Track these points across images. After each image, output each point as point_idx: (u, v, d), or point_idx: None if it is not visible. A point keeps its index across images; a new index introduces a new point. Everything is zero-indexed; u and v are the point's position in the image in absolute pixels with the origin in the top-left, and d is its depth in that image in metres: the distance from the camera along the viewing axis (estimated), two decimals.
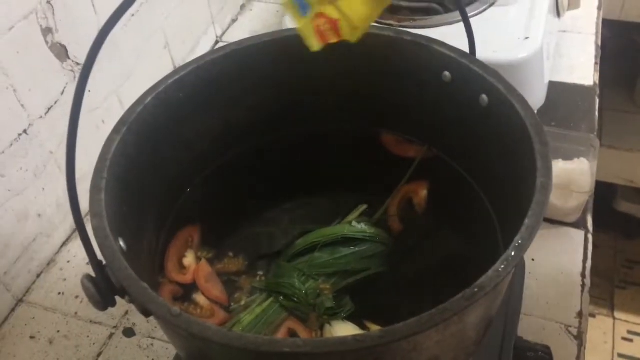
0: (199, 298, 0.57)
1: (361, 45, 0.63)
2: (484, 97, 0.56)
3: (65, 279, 0.82)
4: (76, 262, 0.84)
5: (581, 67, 1.04)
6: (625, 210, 1.89)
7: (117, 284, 0.45)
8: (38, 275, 0.83)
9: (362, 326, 0.55)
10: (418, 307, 0.56)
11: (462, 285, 0.58)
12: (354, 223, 0.60)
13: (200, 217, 0.63)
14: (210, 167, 0.66)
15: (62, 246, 0.86)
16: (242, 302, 0.57)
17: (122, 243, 0.48)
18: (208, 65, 0.60)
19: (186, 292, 0.58)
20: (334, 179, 0.68)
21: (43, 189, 0.80)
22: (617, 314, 1.86)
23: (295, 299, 0.56)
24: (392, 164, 0.68)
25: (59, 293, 0.81)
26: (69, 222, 0.87)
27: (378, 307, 0.57)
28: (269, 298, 0.56)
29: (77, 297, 0.80)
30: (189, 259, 0.59)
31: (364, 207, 0.63)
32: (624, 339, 1.84)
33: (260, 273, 0.60)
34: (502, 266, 0.41)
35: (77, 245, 0.86)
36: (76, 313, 0.78)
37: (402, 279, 0.60)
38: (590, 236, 0.83)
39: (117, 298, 0.48)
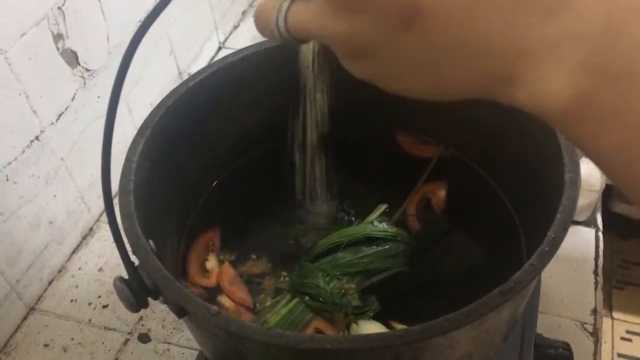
0: (224, 300, 0.57)
1: None
2: None
3: (77, 286, 0.82)
4: (87, 269, 0.84)
5: None
6: (620, 211, 1.90)
7: (151, 285, 0.45)
8: (50, 283, 0.82)
9: (387, 325, 0.55)
10: (442, 305, 0.57)
11: (483, 281, 0.59)
12: (375, 222, 0.61)
13: (220, 220, 0.63)
14: (229, 170, 0.66)
15: (72, 253, 0.86)
16: (267, 303, 0.57)
17: (152, 244, 0.48)
18: (227, 68, 0.61)
19: (210, 294, 0.58)
20: (352, 180, 0.68)
21: (54, 195, 0.80)
22: (615, 314, 1.87)
23: (321, 299, 0.56)
24: (410, 164, 0.68)
25: (72, 300, 0.80)
26: (80, 228, 0.86)
27: (402, 306, 0.57)
28: (294, 298, 0.56)
29: (90, 303, 0.80)
30: (212, 263, 0.59)
31: (384, 206, 0.63)
32: (623, 338, 1.85)
33: (284, 274, 0.60)
34: (537, 261, 0.42)
35: (87, 252, 0.86)
36: (90, 320, 0.78)
37: (424, 277, 0.60)
38: (600, 234, 0.83)
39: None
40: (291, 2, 0.30)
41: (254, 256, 0.61)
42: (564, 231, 0.43)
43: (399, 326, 0.55)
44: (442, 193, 0.64)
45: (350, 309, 0.54)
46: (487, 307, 0.40)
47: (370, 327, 0.53)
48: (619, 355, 1.79)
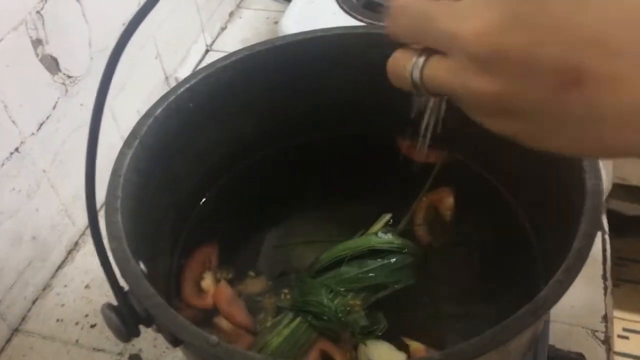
0: (222, 322, 0.53)
1: (375, 45, 0.61)
2: None
3: (63, 305, 0.78)
4: (74, 286, 0.80)
5: None
6: (616, 208, 1.89)
7: (142, 312, 0.41)
8: (34, 302, 0.78)
9: (397, 343, 0.52)
10: (453, 320, 0.54)
11: (496, 294, 0.56)
12: (379, 234, 0.57)
13: (216, 235, 0.59)
14: (223, 179, 0.62)
15: (57, 269, 0.81)
16: (268, 324, 0.53)
17: (142, 266, 0.44)
18: (219, 72, 0.57)
19: (206, 316, 0.54)
20: (351, 188, 0.64)
21: (37, 209, 0.76)
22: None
23: (325, 318, 0.52)
24: (414, 170, 0.65)
25: (57, 320, 0.76)
26: (64, 243, 0.82)
27: (412, 322, 0.54)
28: (296, 318, 0.53)
29: (77, 323, 0.75)
30: (208, 282, 0.55)
31: (388, 216, 0.60)
32: (620, 336, 1.84)
33: (285, 291, 0.56)
34: (564, 276, 0.39)
35: (73, 268, 0.82)
36: (77, 341, 0.74)
37: (433, 291, 0.56)
38: (607, 237, 0.81)
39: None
40: (427, 57, 0.29)
41: (252, 273, 0.57)
42: (589, 243, 0.40)
43: (414, 344, 0.51)
44: (449, 200, 0.60)
45: (358, 328, 0.51)
46: (513, 330, 0.36)
47: (380, 348, 0.50)
48: (617, 353, 1.78)
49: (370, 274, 0.55)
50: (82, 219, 0.85)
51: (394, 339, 0.52)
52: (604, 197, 0.78)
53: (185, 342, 0.39)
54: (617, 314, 1.85)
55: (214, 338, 0.37)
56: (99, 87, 0.38)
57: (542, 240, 0.54)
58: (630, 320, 1.85)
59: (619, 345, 1.81)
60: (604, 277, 0.76)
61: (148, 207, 0.52)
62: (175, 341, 0.41)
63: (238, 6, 1.23)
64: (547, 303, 0.37)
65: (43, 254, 0.78)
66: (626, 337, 1.83)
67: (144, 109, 0.54)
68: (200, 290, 0.55)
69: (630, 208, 1.90)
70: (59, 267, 0.82)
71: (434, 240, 0.59)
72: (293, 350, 0.51)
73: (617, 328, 1.83)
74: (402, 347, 0.51)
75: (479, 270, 0.58)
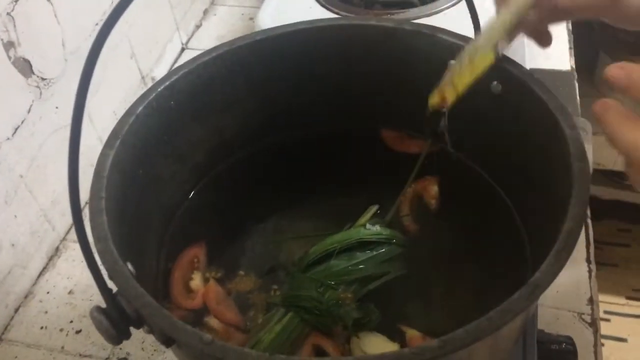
0: (212, 321, 0.52)
1: (358, 38, 0.60)
2: (496, 84, 0.54)
3: (46, 312, 0.76)
4: (56, 292, 0.78)
5: (556, 53, 1.04)
6: (591, 192, 1.91)
7: (132, 313, 0.41)
8: (16, 310, 0.76)
9: (390, 334, 0.51)
10: (445, 309, 0.54)
11: (485, 280, 0.56)
12: (367, 226, 0.57)
13: (202, 235, 0.58)
14: (207, 178, 0.62)
15: (39, 276, 0.80)
16: (259, 320, 0.53)
17: (130, 267, 0.43)
18: (199, 69, 0.56)
19: (196, 316, 0.53)
20: (337, 181, 0.64)
21: (15, 216, 0.74)
22: None
23: (317, 312, 0.52)
24: (397, 161, 0.65)
25: (42, 327, 0.74)
26: (45, 249, 0.80)
27: (403, 313, 0.54)
28: (287, 313, 0.52)
29: (61, 330, 0.74)
30: (196, 282, 0.54)
31: (375, 208, 0.60)
32: (602, 319, 1.86)
33: (275, 287, 0.55)
34: (556, 259, 0.39)
35: (55, 274, 0.80)
36: (62, 347, 0.72)
37: (423, 280, 0.56)
38: (589, 221, 0.82)
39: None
40: None
41: (242, 272, 0.56)
42: (579, 225, 0.41)
43: (409, 331, 0.51)
44: (434, 189, 0.60)
45: (350, 321, 0.51)
46: (509, 314, 0.36)
47: (373, 340, 0.50)
48: (602, 336, 1.81)
49: (360, 266, 0.55)
50: (62, 224, 0.83)
51: (387, 330, 0.52)
52: None
53: (178, 341, 0.38)
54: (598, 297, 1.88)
55: (207, 336, 0.37)
56: (78, 88, 0.37)
57: (528, 225, 0.55)
58: (611, 303, 1.87)
59: (602, 328, 1.84)
60: (588, 261, 0.77)
61: (132, 208, 0.51)
62: (167, 341, 0.40)
63: (212, 3, 1.22)
64: (541, 286, 0.37)
65: (23, 261, 0.77)
66: (608, 320, 1.86)
67: (120, 110, 0.53)
68: (190, 291, 0.54)
69: (606, 192, 1.93)
70: (41, 273, 0.80)
71: (422, 230, 0.59)
72: (286, 345, 0.50)
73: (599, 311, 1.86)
74: (396, 337, 0.51)
75: (467, 257, 0.58)
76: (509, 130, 0.54)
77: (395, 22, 0.58)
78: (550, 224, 0.45)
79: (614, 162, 1.78)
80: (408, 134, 0.65)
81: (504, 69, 0.52)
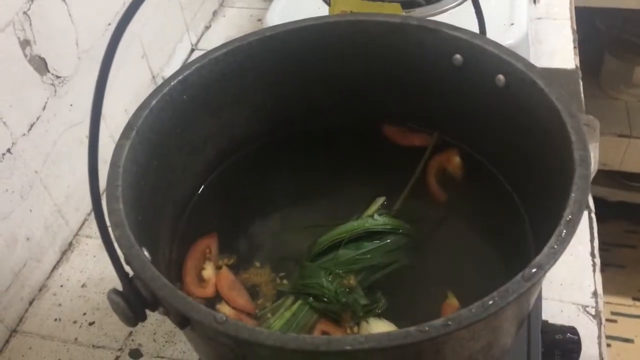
0: (224, 308, 0.54)
1: (364, 33, 0.62)
2: (501, 77, 0.55)
3: (60, 304, 0.78)
4: (70, 285, 0.80)
5: (561, 52, 1.05)
6: (597, 193, 1.92)
7: (148, 296, 0.42)
8: (31, 303, 0.78)
9: (397, 321, 0.53)
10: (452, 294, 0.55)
11: (489, 268, 0.57)
12: (375, 216, 0.58)
13: (214, 225, 0.60)
14: (218, 170, 0.63)
15: (53, 270, 0.81)
16: (269, 307, 0.54)
17: (146, 252, 0.45)
18: (211, 64, 0.58)
19: (208, 304, 0.55)
20: (345, 174, 0.66)
21: (30, 210, 0.76)
22: None
23: (325, 299, 0.53)
24: (402, 155, 0.66)
25: (55, 319, 0.76)
26: (59, 244, 0.82)
27: (409, 300, 0.55)
28: (297, 301, 0.54)
29: (75, 322, 0.76)
30: (208, 271, 0.56)
31: (382, 199, 0.61)
32: (609, 320, 1.86)
33: (283, 275, 0.57)
34: (557, 243, 0.40)
35: (68, 267, 0.82)
36: (76, 339, 0.74)
37: (429, 269, 0.58)
38: (593, 215, 0.83)
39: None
40: None
41: (252, 262, 0.58)
42: (580, 211, 0.42)
43: (451, 298, 0.53)
44: (456, 159, 0.63)
45: (359, 307, 0.52)
46: (511, 295, 0.38)
47: (380, 326, 0.51)
48: (607, 337, 1.81)
49: (367, 255, 0.56)
50: (76, 218, 0.85)
51: (393, 317, 0.54)
52: (591, 177, 0.80)
53: (193, 321, 0.39)
54: (604, 297, 1.88)
55: (221, 315, 0.38)
56: (95, 91, 0.39)
57: (532, 214, 0.56)
58: (618, 304, 1.87)
59: (608, 329, 1.83)
60: (592, 255, 0.78)
61: (147, 197, 0.52)
62: (182, 322, 0.41)
63: (221, 5, 1.24)
64: (541, 269, 0.38)
65: (38, 254, 0.79)
66: (615, 321, 1.86)
67: (132, 109, 0.54)
68: (202, 280, 0.56)
69: (612, 193, 1.93)
70: (55, 267, 0.82)
71: (426, 219, 0.61)
72: (295, 331, 0.52)
73: (606, 312, 1.86)
74: (402, 324, 0.52)
75: (471, 247, 0.59)
76: (512, 121, 0.56)
77: (401, 17, 0.59)
78: (553, 212, 0.46)
79: (620, 163, 1.79)
80: (410, 128, 0.67)
81: (507, 62, 0.53)
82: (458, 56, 0.58)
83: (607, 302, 1.87)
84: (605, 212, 1.99)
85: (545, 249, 0.40)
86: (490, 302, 0.38)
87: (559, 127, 0.48)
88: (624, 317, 1.85)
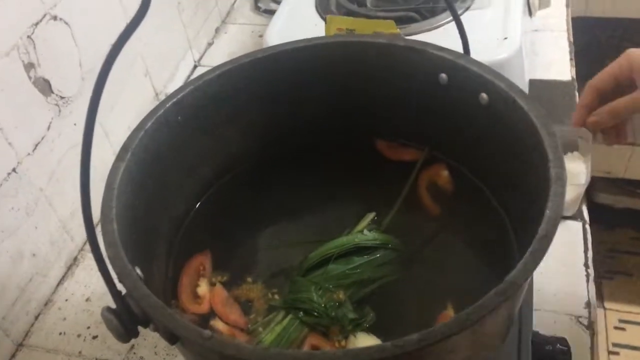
0: (217, 324, 0.55)
1: (354, 53, 0.64)
2: (484, 95, 0.57)
3: (65, 318, 0.80)
4: (74, 300, 0.82)
5: (557, 64, 1.06)
6: (603, 201, 1.92)
7: (140, 313, 0.44)
8: (36, 317, 0.80)
9: (385, 336, 0.54)
10: (438, 311, 0.57)
11: (476, 283, 0.59)
12: (365, 231, 0.60)
13: (209, 242, 0.62)
14: (212, 189, 0.65)
15: (58, 284, 0.84)
16: (260, 322, 0.56)
17: (139, 271, 0.47)
18: (205, 85, 0.60)
19: (203, 320, 0.57)
20: (335, 191, 0.67)
21: (36, 227, 0.78)
22: (607, 304, 1.88)
23: (315, 313, 0.55)
24: (391, 171, 0.68)
25: (60, 333, 0.78)
26: (64, 259, 0.85)
27: (397, 315, 0.57)
28: (287, 315, 0.55)
29: (79, 335, 0.78)
30: (203, 288, 0.58)
31: (372, 215, 0.63)
32: (617, 328, 1.86)
33: (275, 290, 0.59)
34: (529, 260, 0.41)
35: (73, 282, 0.84)
36: (80, 352, 0.76)
37: (417, 284, 0.59)
38: (587, 227, 0.84)
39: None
40: None
41: (245, 278, 0.59)
42: (554, 228, 0.43)
43: (450, 310, 0.54)
44: (444, 173, 0.65)
45: (347, 321, 0.54)
46: (484, 310, 0.39)
47: (368, 340, 0.53)
48: (614, 344, 1.80)
49: (357, 270, 0.58)
50: (80, 234, 0.87)
51: (382, 331, 0.55)
52: (584, 188, 0.81)
53: (181, 337, 0.41)
54: (612, 305, 1.87)
55: (207, 332, 0.40)
56: (89, 106, 0.41)
57: (516, 229, 0.57)
58: (626, 312, 1.87)
59: (615, 336, 1.83)
60: (586, 265, 0.79)
61: (142, 217, 0.54)
62: (171, 338, 0.43)
63: (223, 22, 1.26)
64: (514, 285, 0.40)
65: (44, 269, 0.81)
66: (623, 329, 1.85)
67: (135, 125, 0.56)
68: (197, 297, 0.58)
69: (619, 201, 1.93)
70: (60, 282, 0.84)
71: (416, 234, 0.62)
72: (285, 345, 0.53)
73: (613, 320, 1.86)
74: (390, 338, 0.54)
75: (459, 261, 0.61)
76: (496, 137, 0.57)
77: (388, 38, 0.61)
78: (533, 227, 0.47)
79: (625, 170, 1.79)
80: (401, 143, 0.68)
81: (489, 81, 0.55)
82: (444, 75, 0.60)
83: (616, 310, 1.86)
84: (612, 220, 1.99)
85: (519, 265, 0.41)
86: (465, 317, 0.39)
87: (536, 145, 0.49)
88: (632, 324, 1.84)
